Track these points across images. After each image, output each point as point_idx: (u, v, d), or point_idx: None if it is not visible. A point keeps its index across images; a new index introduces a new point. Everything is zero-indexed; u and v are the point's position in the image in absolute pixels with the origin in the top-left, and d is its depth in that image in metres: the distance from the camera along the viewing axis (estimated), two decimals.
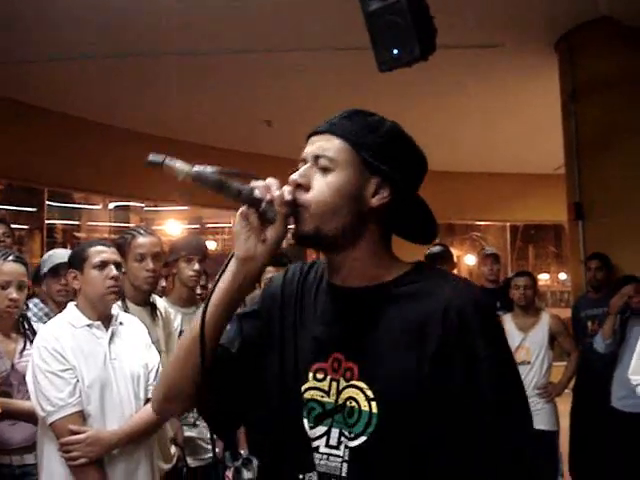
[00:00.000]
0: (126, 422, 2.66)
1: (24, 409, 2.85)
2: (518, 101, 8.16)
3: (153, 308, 3.37)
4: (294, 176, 1.34)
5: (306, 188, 1.34)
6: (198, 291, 4.23)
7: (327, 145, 1.35)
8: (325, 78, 7.49)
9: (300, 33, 6.32)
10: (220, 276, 1.34)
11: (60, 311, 3.57)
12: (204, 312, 1.32)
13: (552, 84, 6.76)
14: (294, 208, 1.32)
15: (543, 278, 15.11)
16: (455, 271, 5.44)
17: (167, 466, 3.15)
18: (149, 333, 3.03)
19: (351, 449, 1.31)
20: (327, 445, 1.34)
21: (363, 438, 1.30)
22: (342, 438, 1.33)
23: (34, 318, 3.43)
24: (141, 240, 3.25)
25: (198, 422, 3.62)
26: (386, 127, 1.39)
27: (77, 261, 2.77)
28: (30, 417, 2.80)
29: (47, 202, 9.61)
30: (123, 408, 2.68)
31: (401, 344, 1.29)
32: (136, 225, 8.73)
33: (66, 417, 2.54)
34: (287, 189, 1.31)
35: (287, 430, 1.39)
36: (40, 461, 2.69)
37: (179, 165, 1.28)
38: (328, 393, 1.35)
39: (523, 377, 4.62)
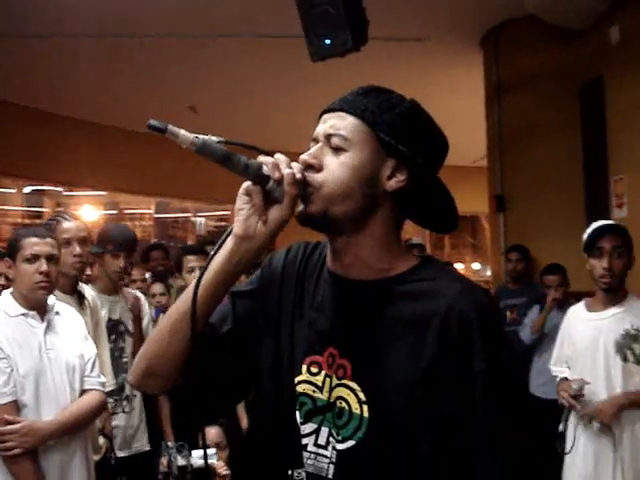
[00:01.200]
0: (61, 412, 2.63)
1: None
2: (442, 95, 8.24)
3: (80, 296, 3.31)
4: (305, 156, 1.25)
5: (317, 169, 1.24)
6: None
7: (341, 123, 1.25)
8: (250, 65, 7.44)
9: (227, 20, 6.25)
10: (216, 252, 1.25)
11: None
12: (196, 288, 1.23)
13: (476, 79, 6.91)
14: (304, 189, 1.22)
15: (458, 267, 15.51)
16: None
17: (96, 457, 3.11)
18: None
19: (339, 452, 1.25)
20: (315, 444, 1.28)
21: (352, 442, 1.23)
22: (331, 438, 1.26)
23: None
24: (67, 225, 3.19)
25: (127, 410, 3.59)
26: (405, 105, 1.29)
27: (11, 251, 2.72)
28: None
29: None
30: (58, 399, 2.65)
31: (398, 348, 1.22)
32: (59, 211, 8.52)
33: (0, 407, 2.49)
34: (297, 167, 1.22)
35: (279, 422, 1.34)
36: None
37: (183, 133, 1.17)
38: (321, 389, 1.28)
39: None
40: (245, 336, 1.35)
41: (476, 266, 16.49)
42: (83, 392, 2.75)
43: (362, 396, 1.23)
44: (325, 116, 1.29)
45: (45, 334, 2.68)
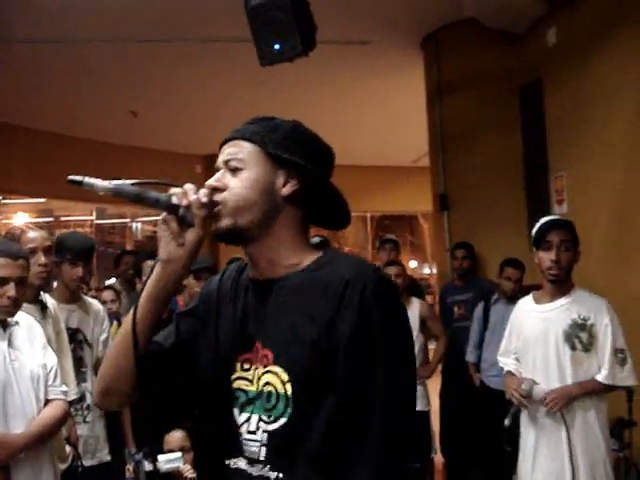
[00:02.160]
0: (31, 424, 2.59)
1: None
2: (382, 96, 8.41)
3: (43, 306, 3.26)
4: (210, 181, 1.44)
5: (222, 189, 1.43)
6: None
7: (235, 149, 1.46)
8: (193, 70, 7.42)
9: (170, 23, 6.22)
10: (147, 278, 1.43)
11: None
12: (135, 311, 1.41)
13: (416, 81, 7.03)
14: (212, 209, 1.41)
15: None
16: None
17: (63, 466, 3.08)
18: None
19: (269, 433, 1.38)
20: (248, 431, 1.42)
21: (283, 420, 1.37)
22: (260, 423, 1.41)
23: None
24: (31, 235, 3.14)
25: (88, 419, 3.56)
26: (287, 125, 1.49)
27: None
28: None
29: None
30: (25, 410, 2.61)
31: (304, 324, 1.37)
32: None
33: None
34: (203, 192, 1.40)
35: (219, 419, 1.48)
36: None
37: (98, 182, 1.35)
38: (252, 382, 1.43)
39: None
40: (188, 349, 1.52)
41: (413, 264, 16.74)
42: (47, 402, 2.72)
43: (285, 377, 1.38)
44: (223, 148, 1.50)
45: (8, 346, 2.63)
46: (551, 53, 5.60)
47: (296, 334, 1.38)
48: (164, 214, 1.39)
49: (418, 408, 5.01)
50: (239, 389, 1.45)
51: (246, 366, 1.45)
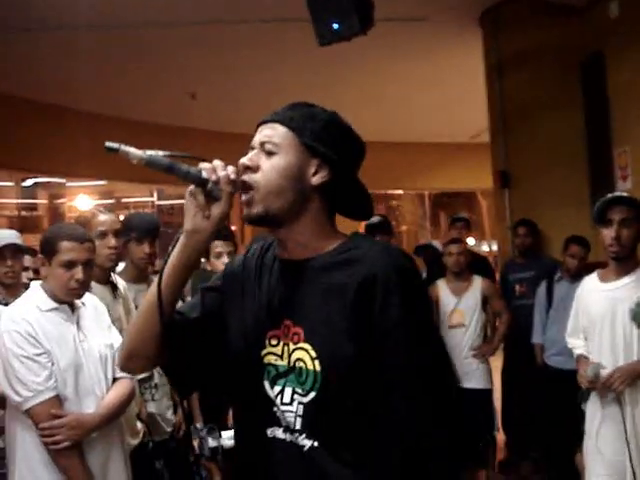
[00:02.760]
0: (101, 404, 2.67)
1: None
2: (441, 73, 8.32)
3: (114, 286, 3.35)
4: (243, 159, 1.49)
5: (254, 170, 1.48)
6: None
7: (271, 132, 1.51)
8: (252, 51, 7.45)
9: (227, 4, 6.26)
10: (172, 248, 1.50)
11: (8, 293, 3.54)
12: (160, 280, 1.48)
13: (475, 57, 6.94)
14: (239, 187, 1.46)
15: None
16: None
17: (135, 441, 3.17)
18: (110, 311, 3.03)
19: (304, 405, 1.46)
20: (282, 403, 1.50)
21: (313, 394, 1.46)
22: (295, 395, 1.48)
23: None
24: (102, 218, 3.21)
25: (156, 397, 3.65)
26: (324, 115, 1.55)
27: (47, 250, 2.68)
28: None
29: None
30: (95, 390, 2.68)
31: (331, 305, 1.45)
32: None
33: (45, 402, 2.51)
34: (232, 169, 1.45)
35: (251, 392, 1.55)
36: (11, 447, 2.65)
37: (133, 150, 1.40)
38: (281, 356, 1.51)
39: (459, 339, 4.76)
40: (212, 323, 1.60)
41: (471, 241, 16.58)
42: (114, 380, 2.79)
43: (313, 353, 1.46)
44: (260, 127, 1.55)
45: (77, 327, 2.71)
46: (613, 26, 5.47)
47: (324, 314, 1.46)
48: (192, 186, 1.45)
49: (481, 386, 5.06)
50: (269, 364, 1.53)
51: (274, 342, 1.53)
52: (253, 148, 1.52)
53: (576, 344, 3.49)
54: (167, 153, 1.43)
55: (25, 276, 3.70)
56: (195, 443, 3.44)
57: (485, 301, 5.23)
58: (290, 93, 8.54)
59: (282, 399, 1.50)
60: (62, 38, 6.70)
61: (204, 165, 1.45)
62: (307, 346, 1.47)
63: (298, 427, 1.47)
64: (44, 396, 2.52)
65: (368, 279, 1.42)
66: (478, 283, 5.22)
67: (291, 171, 1.48)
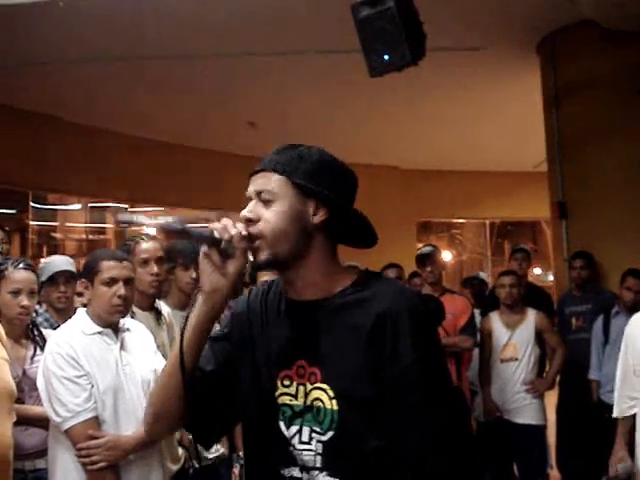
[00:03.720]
0: (141, 427, 2.70)
1: (37, 414, 2.89)
2: (499, 102, 8.29)
3: (158, 313, 3.41)
4: (244, 213, 1.52)
5: (256, 221, 1.51)
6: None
7: (265, 180, 1.53)
8: (309, 81, 7.56)
9: (286, 35, 6.37)
10: (191, 310, 1.54)
11: (60, 317, 3.64)
12: (181, 342, 1.51)
13: (533, 85, 6.89)
14: (250, 241, 1.49)
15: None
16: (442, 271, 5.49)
17: (175, 467, 3.20)
18: (154, 338, 3.09)
19: (323, 443, 1.48)
20: (300, 442, 1.52)
21: (331, 433, 1.48)
22: (313, 434, 1.50)
23: (45, 323, 3.47)
24: (145, 246, 3.29)
25: None
26: (313, 154, 1.56)
27: (88, 272, 2.78)
28: (42, 422, 2.85)
29: (31, 204, 9.59)
30: (136, 413, 2.70)
31: (347, 346, 1.47)
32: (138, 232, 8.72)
33: (83, 423, 2.57)
34: (241, 226, 1.49)
35: (267, 432, 1.57)
36: (52, 467, 2.72)
37: (147, 220, 1.52)
38: (296, 396, 1.53)
39: (511, 373, 4.67)
40: (226, 372, 1.62)
41: (537, 271, 16.27)
42: None
43: (331, 393, 1.48)
44: (253, 178, 1.57)
45: (120, 351, 2.76)
46: None
47: (341, 355, 1.48)
48: (205, 248, 1.48)
49: (534, 422, 4.95)
50: (284, 404, 1.54)
51: (286, 382, 1.55)
52: (250, 199, 1.55)
53: (620, 403, 3.40)
54: (177, 218, 1.50)
55: (79, 301, 3.81)
56: (235, 471, 3.47)
57: (540, 335, 5.13)
58: (344, 122, 8.66)
59: (300, 438, 1.52)
60: (127, 68, 6.92)
61: (215, 225, 1.48)
62: (325, 386, 1.49)
63: (318, 465, 1.49)
64: (82, 417, 2.58)
65: (380, 319, 1.45)
66: (532, 316, 5.12)
67: (291, 215, 1.50)
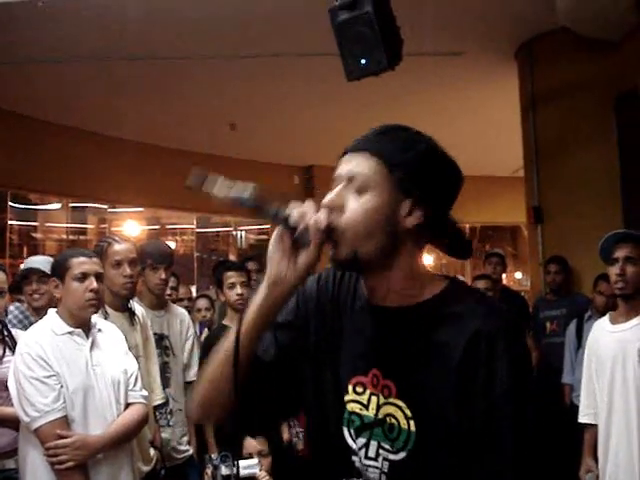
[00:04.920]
0: (110, 426, 2.72)
1: (6, 415, 2.89)
2: (477, 106, 8.34)
3: (131, 313, 3.42)
4: (327, 200, 1.33)
5: (340, 210, 1.32)
6: (168, 292, 4.28)
7: (361, 165, 1.33)
8: (289, 83, 7.58)
9: (265, 38, 6.39)
10: (254, 296, 1.36)
11: (36, 315, 3.65)
12: (238, 330, 1.33)
13: (511, 91, 6.94)
14: (330, 234, 1.30)
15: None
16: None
17: (147, 468, 3.22)
18: (127, 338, 3.10)
19: (391, 462, 1.34)
20: (366, 457, 1.37)
21: (403, 454, 1.32)
22: (380, 451, 1.35)
23: (14, 320, 3.48)
24: (117, 247, 3.30)
25: (171, 423, 3.69)
26: (422, 144, 1.36)
27: (59, 270, 2.80)
28: (13, 423, 2.85)
29: (9, 204, 9.55)
30: (105, 413, 2.74)
31: (433, 366, 1.30)
32: (108, 235, 8.72)
33: (51, 422, 2.58)
34: (322, 216, 1.29)
35: (329, 437, 1.43)
36: (23, 467, 2.73)
37: (219, 192, 1.31)
38: (367, 407, 1.38)
39: None
40: (287, 364, 1.45)
41: (518, 275, 16.37)
42: (127, 406, 2.84)
43: (408, 412, 1.32)
44: (347, 156, 1.37)
45: (91, 351, 2.77)
46: None
47: (424, 375, 1.32)
48: (280, 229, 1.31)
49: None
50: (353, 412, 1.40)
51: (359, 389, 1.39)
52: (339, 179, 1.36)
53: (585, 409, 3.44)
54: (253, 187, 1.30)
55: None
56: (208, 472, 3.49)
57: None
58: (324, 125, 8.67)
59: (367, 453, 1.37)
60: (108, 69, 6.92)
61: (294, 207, 1.30)
62: (401, 403, 1.33)
63: None
64: (51, 417, 2.59)
65: (474, 340, 1.27)
66: None
67: (382, 213, 1.31)
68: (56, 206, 11.07)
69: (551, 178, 6.38)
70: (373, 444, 1.36)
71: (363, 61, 4.48)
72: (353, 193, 1.33)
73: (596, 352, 3.34)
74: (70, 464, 2.57)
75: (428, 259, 14.59)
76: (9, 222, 9.78)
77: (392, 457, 1.34)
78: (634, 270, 3.13)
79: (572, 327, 5.25)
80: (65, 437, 2.59)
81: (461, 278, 7.45)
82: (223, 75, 7.32)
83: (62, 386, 2.64)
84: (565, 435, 5.10)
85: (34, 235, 10.99)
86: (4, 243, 9.58)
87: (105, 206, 11.23)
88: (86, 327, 2.82)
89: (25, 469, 2.70)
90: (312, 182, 11.49)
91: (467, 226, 14.02)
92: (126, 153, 9.66)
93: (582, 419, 3.45)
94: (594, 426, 3.34)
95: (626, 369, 3.13)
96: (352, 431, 1.39)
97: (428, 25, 5.68)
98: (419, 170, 1.33)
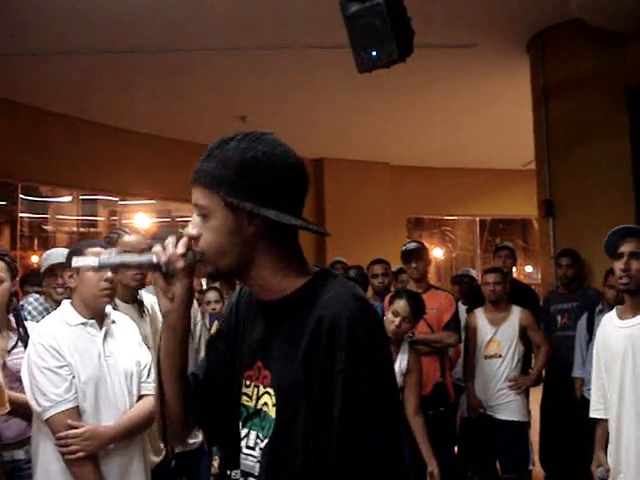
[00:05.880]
0: (121, 417, 2.73)
1: (19, 401, 2.89)
2: (489, 99, 8.31)
3: (140, 305, 3.43)
4: (187, 229, 1.48)
5: (198, 238, 1.47)
6: None
7: (197, 195, 1.46)
8: (299, 76, 7.57)
9: (274, 31, 6.38)
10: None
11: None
12: (158, 364, 1.53)
13: (523, 83, 6.91)
14: (194, 257, 1.46)
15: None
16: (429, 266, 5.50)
17: (157, 459, 3.23)
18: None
19: (262, 450, 1.45)
20: (247, 446, 1.50)
21: (266, 441, 1.44)
22: (257, 440, 1.47)
23: (34, 312, 3.50)
24: (127, 238, 3.31)
25: None
26: (238, 153, 1.43)
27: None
28: (24, 409, 2.86)
29: (20, 196, 9.58)
30: (117, 404, 2.75)
31: (288, 352, 1.42)
32: (118, 226, 8.74)
33: (62, 412, 2.60)
34: (181, 244, 1.46)
35: (229, 431, 1.56)
36: (35, 457, 2.75)
37: (84, 263, 1.54)
38: (251, 397, 1.51)
39: (495, 370, 4.67)
40: (220, 374, 1.60)
41: (528, 269, 16.34)
42: (140, 397, 2.85)
43: (274, 399, 1.44)
44: (192, 188, 1.50)
45: (104, 342, 2.78)
46: None
47: (281, 363, 1.44)
48: (154, 275, 1.49)
49: (517, 419, 4.98)
50: (242, 404, 1.53)
51: (247, 382, 1.53)
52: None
53: (596, 404, 3.42)
54: (118, 250, 1.50)
55: None
56: (215, 463, 3.50)
57: (524, 332, 5.15)
58: (335, 117, 8.65)
59: (247, 443, 1.50)
60: (119, 61, 6.92)
61: (155, 249, 1.48)
62: (270, 391, 1.45)
63: (256, 473, 1.46)
64: (62, 407, 2.61)
65: (318, 325, 1.37)
66: (517, 313, 5.14)
67: (225, 229, 1.43)
68: (67, 198, 11.10)
69: (563, 171, 6.34)
70: (252, 434, 1.49)
71: (374, 53, 4.47)
72: (201, 220, 1.46)
73: (605, 347, 3.32)
74: (80, 454, 2.58)
75: (438, 253, 14.59)
76: (20, 214, 9.80)
77: (261, 445, 1.45)
78: (638, 265, 3.10)
79: (583, 320, 5.24)
80: (75, 427, 2.60)
81: (473, 272, 7.44)
82: (233, 67, 7.31)
83: (74, 376, 2.65)
84: (577, 429, 5.09)
85: (45, 227, 11.04)
86: (15, 235, 9.62)
87: (115, 198, 11.24)
88: (100, 318, 2.83)
89: (37, 459, 2.72)
90: (322, 174, 11.49)
91: (478, 219, 14.03)
92: (136, 145, 9.68)
93: (593, 414, 3.44)
94: (605, 420, 3.32)
95: (636, 364, 3.10)
96: (241, 422, 1.53)
97: (439, 17, 5.65)
98: (240, 182, 1.42)
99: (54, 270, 3.76)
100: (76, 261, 1.52)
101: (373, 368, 1.38)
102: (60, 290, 3.78)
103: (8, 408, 2.46)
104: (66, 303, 2.86)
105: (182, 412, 1.54)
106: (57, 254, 3.92)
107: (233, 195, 1.42)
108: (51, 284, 3.80)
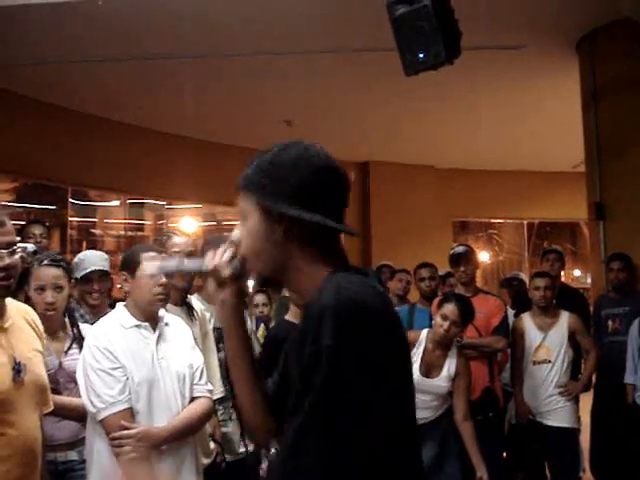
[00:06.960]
0: (174, 419, 2.76)
1: (72, 406, 2.95)
2: (538, 101, 8.22)
3: (189, 308, 3.47)
4: (232, 236, 1.54)
5: (239, 242, 1.53)
6: None
7: (240, 199, 1.52)
8: (345, 79, 7.58)
9: (321, 35, 6.40)
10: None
11: (93, 313, 3.70)
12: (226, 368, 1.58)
13: (572, 84, 6.82)
14: (240, 264, 1.53)
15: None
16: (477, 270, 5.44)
17: (207, 461, 3.25)
18: None
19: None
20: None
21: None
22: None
23: (80, 319, 3.53)
24: (176, 240, 3.36)
25: (234, 417, 3.71)
26: (268, 159, 1.48)
27: (129, 265, 2.84)
28: (74, 414, 2.91)
29: (70, 200, 9.77)
30: (170, 406, 2.78)
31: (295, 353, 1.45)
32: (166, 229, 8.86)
33: (116, 413, 2.64)
34: (228, 251, 1.53)
35: None
36: (89, 457, 2.79)
37: (149, 268, 1.69)
38: None
39: (544, 375, 4.61)
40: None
41: (577, 273, 16.08)
42: (192, 399, 2.87)
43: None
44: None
45: (157, 344, 2.82)
46: None
47: (292, 363, 1.49)
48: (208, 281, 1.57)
49: (567, 425, 4.90)
50: None
51: None
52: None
53: None
54: (178, 257, 1.55)
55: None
56: (264, 466, 3.50)
57: (573, 337, 5.07)
58: (382, 120, 8.60)
59: None
60: (164, 68, 7.02)
61: (207, 257, 1.55)
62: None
63: None
64: (116, 408, 2.65)
65: (304, 321, 1.42)
66: (565, 318, 5.05)
67: (259, 232, 1.48)
68: (115, 202, 11.27)
69: (613, 173, 6.25)
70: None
71: (421, 55, 4.44)
72: (241, 224, 1.53)
73: None
74: (132, 455, 2.61)
75: (484, 256, 14.44)
76: (70, 218, 10.00)
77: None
78: None
79: (635, 326, 5.14)
80: (129, 428, 2.63)
81: (522, 275, 7.30)
82: (280, 72, 7.35)
83: (128, 378, 2.70)
84: (628, 435, 5.00)
85: (93, 231, 11.22)
86: (65, 238, 9.81)
87: (163, 202, 11.38)
88: (153, 321, 2.87)
89: (92, 459, 2.76)
90: (368, 178, 11.47)
91: (525, 222, 13.86)
92: (183, 150, 9.79)
93: None
94: None
95: None
96: None
97: (487, 18, 5.62)
98: (267, 184, 1.47)
99: (90, 276, 3.72)
100: (144, 265, 1.59)
101: (336, 355, 1.35)
102: (96, 295, 3.75)
103: (52, 407, 2.50)
104: (120, 306, 2.90)
105: (260, 413, 1.57)
106: (93, 259, 3.83)
107: (265, 198, 1.47)
108: (86, 290, 3.75)
